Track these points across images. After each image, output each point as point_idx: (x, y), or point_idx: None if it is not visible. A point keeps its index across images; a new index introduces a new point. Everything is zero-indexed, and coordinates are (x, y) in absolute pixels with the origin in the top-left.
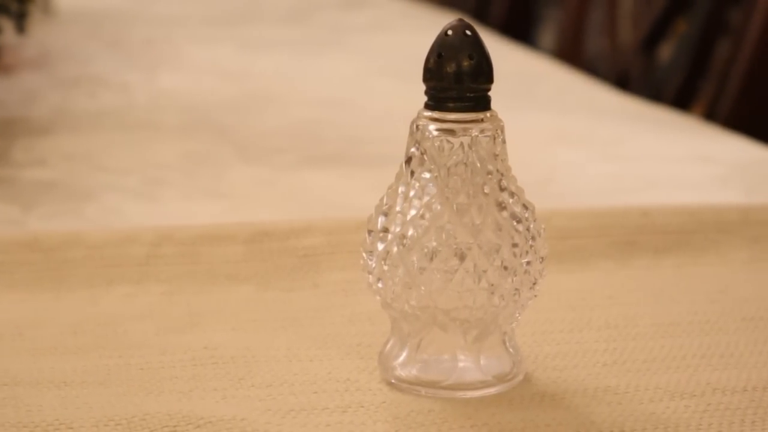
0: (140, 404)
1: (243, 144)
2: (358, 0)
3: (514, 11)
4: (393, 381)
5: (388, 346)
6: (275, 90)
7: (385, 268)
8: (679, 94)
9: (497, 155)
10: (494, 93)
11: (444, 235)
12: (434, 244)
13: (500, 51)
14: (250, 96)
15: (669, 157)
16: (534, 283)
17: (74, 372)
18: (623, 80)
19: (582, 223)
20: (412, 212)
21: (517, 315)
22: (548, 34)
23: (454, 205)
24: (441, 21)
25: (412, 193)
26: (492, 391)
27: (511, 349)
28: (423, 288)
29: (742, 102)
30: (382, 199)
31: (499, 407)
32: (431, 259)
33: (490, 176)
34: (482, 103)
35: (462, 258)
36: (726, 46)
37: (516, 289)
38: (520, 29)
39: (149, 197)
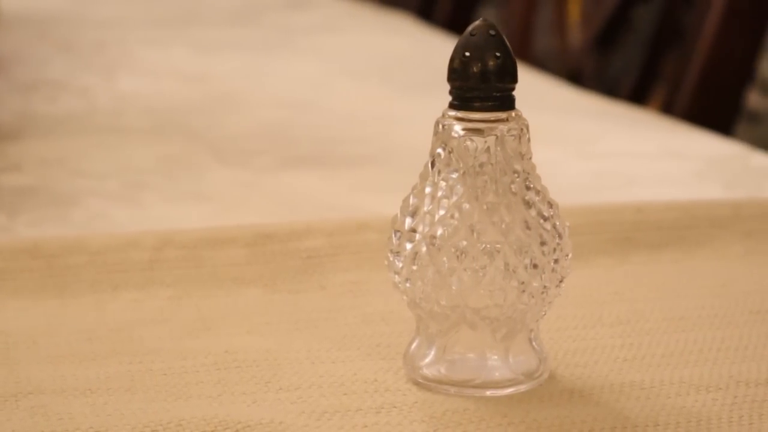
0: (172, 410)
1: (217, 146)
2: (302, 0)
3: (458, 10)
4: (420, 381)
5: (413, 345)
6: (238, 92)
7: (414, 268)
8: (634, 92)
9: (523, 154)
10: None
11: (475, 235)
12: (464, 243)
13: None
14: (214, 98)
15: (644, 154)
16: (561, 281)
17: (98, 379)
18: (574, 79)
19: (579, 221)
20: (441, 212)
21: (544, 312)
22: None
23: (484, 205)
24: (388, 21)
25: (440, 194)
26: (521, 388)
27: (536, 347)
28: (454, 287)
29: (697, 99)
30: (407, 200)
31: (531, 404)
32: (462, 258)
33: (516, 175)
34: (507, 103)
35: (493, 257)
36: (681, 43)
37: (544, 287)
38: (464, 28)
39: (133, 201)
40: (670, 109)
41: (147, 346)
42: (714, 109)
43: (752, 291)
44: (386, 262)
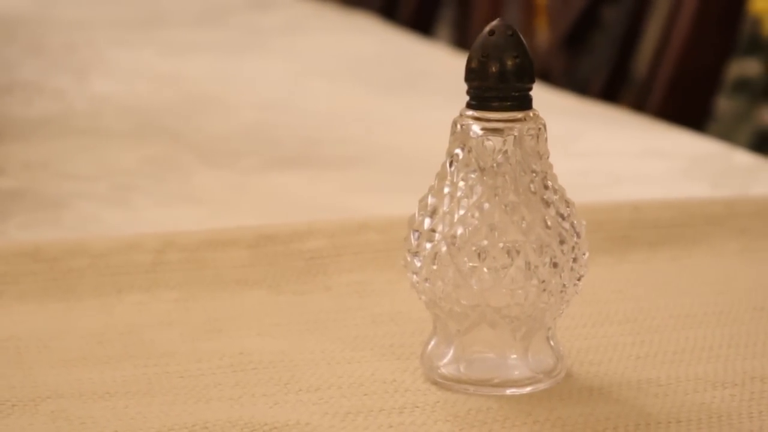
0: (194, 412)
1: (201, 148)
2: (265, 1)
3: (421, 10)
4: (439, 380)
5: (431, 345)
6: (214, 93)
7: (434, 267)
8: (604, 91)
9: (541, 154)
10: (432, 91)
11: (495, 234)
12: (485, 242)
13: (427, 52)
14: (190, 99)
15: (628, 153)
16: (578, 279)
17: (114, 382)
18: (543, 78)
19: None
20: (461, 212)
21: (562, 311)
22: (451, 32)
23: (504, 204)
24: (353, 21)
25: (459, 193)
26: (541, 387)
27: (554, 345)
28: (475, 287)
29: (668, 100)
30: (424, 200)
31: (553, 402)
32: (483, 258)
33: (534, 174)
34: (525, 103)
35: (514, 256)
36: (651, 40)
37: (563, 285)
38: (427, 28)
39: (123, 204)
40: (641, 109)
41: (160, 349)
42: (685, 110)
43: (753, 288)
44: (403, 262)
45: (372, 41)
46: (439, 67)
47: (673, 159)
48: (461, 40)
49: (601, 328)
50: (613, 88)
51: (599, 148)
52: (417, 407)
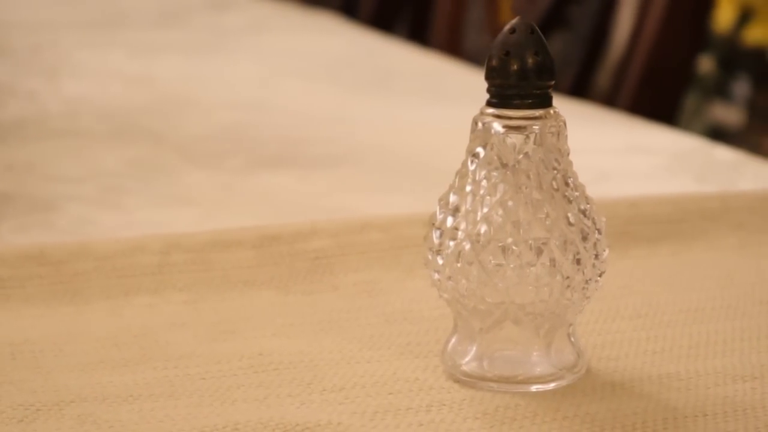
0: (222, 414)
1: (184, 149)
2: (225, 1)
3: (382, 9)
4: (462, 378)
5: (452, 343)
6: (187, 94)
7: (458, 265)
8: (574, 86)
9: (562, 151)
10: (406, 90)
11: (521, 231)
12: (510, 240)
13: (395, 51)
14: (165, 100)
15: (609, 150)
16: (600, 275)
17: (136, 385)
18: None
19: None
20: (485, 209)
21: (583, 307)
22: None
23: (527, 201)
24: (316, 20)
25: (482, 191)
26: (563, 383)
27: (574, 341)
28: (500, 284)
29: (638, 98)
30: (445, 198)
31: (578, 398)
32: (507, 255)
33: (556, 171)
34: (546, 100)
35: (539, 253)
36: (620, 37)
37: (586, 281)
38: (387, 26)
39: (115, 206)
40: (611, 106)
41: (177, 351)
42: (656, 107)
43: (756, 282)
44: (424, 261)
45: (339, 41)
46: (409, 66)
47: (655, 155)
48: (420, 38)
49: (613, 324)
50: (580, 86)
51: (581, 145)
52: (444, 405)
